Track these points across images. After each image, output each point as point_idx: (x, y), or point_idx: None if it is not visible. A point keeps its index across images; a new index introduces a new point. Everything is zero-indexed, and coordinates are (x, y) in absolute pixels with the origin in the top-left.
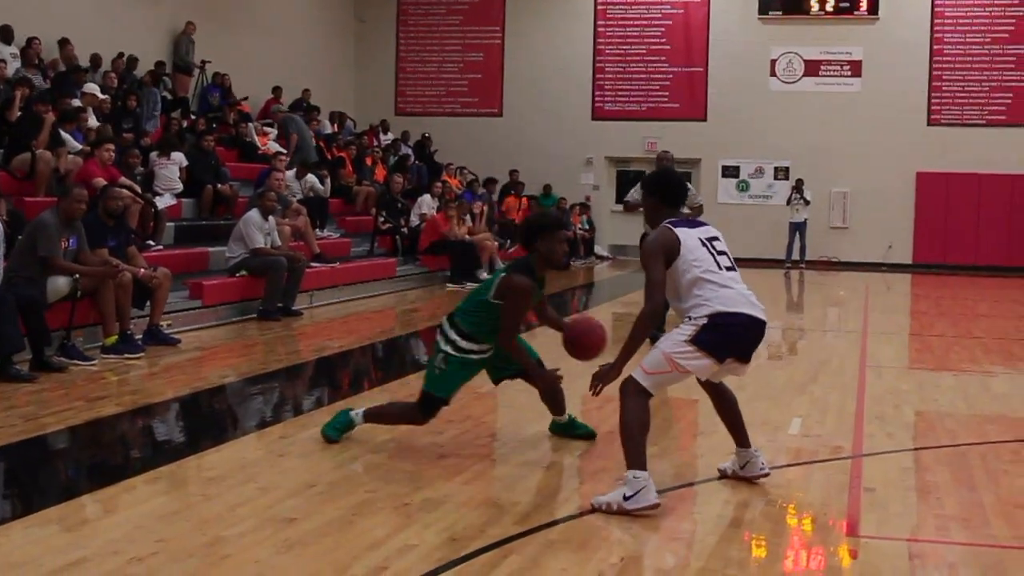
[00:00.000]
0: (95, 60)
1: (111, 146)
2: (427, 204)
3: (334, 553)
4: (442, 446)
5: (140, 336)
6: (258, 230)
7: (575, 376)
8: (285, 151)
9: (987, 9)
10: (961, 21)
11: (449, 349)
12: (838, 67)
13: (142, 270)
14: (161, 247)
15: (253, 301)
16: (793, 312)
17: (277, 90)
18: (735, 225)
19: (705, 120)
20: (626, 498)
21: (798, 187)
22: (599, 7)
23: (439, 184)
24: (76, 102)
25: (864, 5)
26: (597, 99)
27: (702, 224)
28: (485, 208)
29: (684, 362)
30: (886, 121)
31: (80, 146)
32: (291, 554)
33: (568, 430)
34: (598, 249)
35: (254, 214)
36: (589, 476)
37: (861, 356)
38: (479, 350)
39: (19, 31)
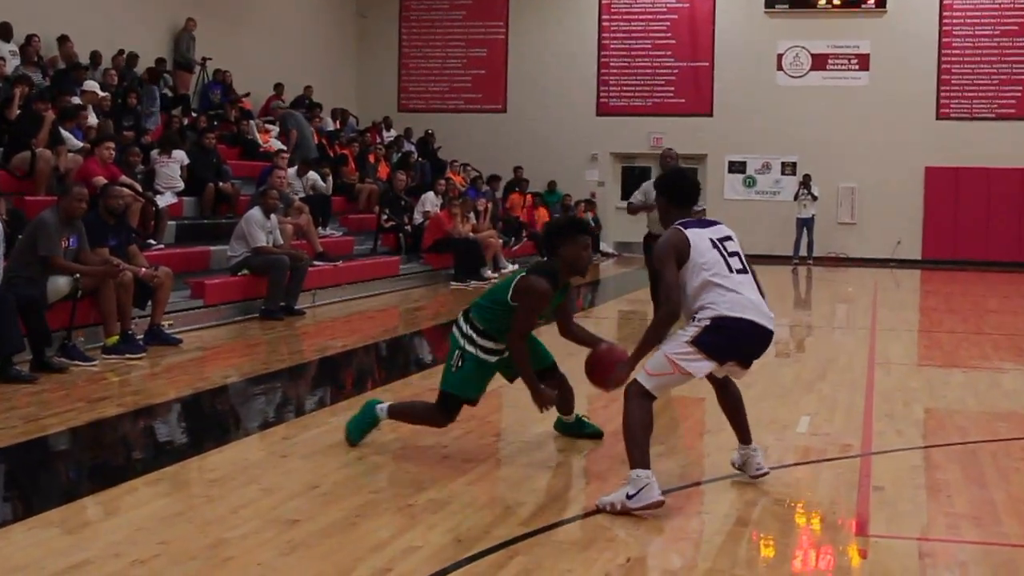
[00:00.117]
0: (95, 57)
1: (111, 144)
2: (430, 202)
3: (338, 555)
4: (446, 446)
5: (141, 336)
6: (260, 228)
7: (583, 376)
8: (287, 148)
9: (996, 1)
10: (970, 13)
11: (465, 344)
12: (846, 61)
13: (143, 269)
14: (162, 246)
15: (255, 300)
16: (801, 309)
17: (279, 87)
18: (742, 222)
19: (711, 115)
20: (629, 497)
21: (805, 183)
22: (603, 2)
23: (442, 181)
24: (76, 100)
25: None
26: (602, 95)
27: (714, 223)
28: (489, 205)
29: (685, 363)
30: (894, 115)
31: (80, 144)
32: (294, 556)
33: (575, 429)
34: (603, 246)
35: (256, 212)
36: (595, 476)
37: (870, 353)
38: (495, 348)
39: (18, 29)
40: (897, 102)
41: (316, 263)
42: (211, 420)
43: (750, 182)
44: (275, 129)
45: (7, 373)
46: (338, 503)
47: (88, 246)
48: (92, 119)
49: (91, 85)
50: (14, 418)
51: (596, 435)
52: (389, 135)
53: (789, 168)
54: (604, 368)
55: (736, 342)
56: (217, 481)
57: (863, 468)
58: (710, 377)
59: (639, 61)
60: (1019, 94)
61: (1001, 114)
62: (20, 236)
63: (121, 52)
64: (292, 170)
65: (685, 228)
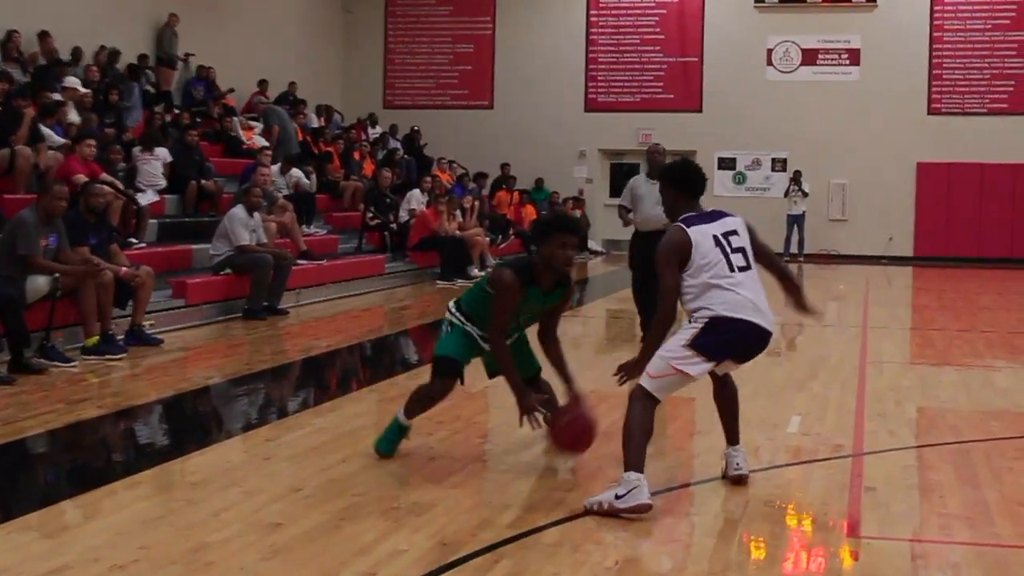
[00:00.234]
0: (76, 53)
1: (92, 141)
2: (416, 199)
3: (321, 559)
4: (432, 448)
5: (122, 336)
6: (243, 227)
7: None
8: (270, 145)
9: None
10: (961, 7)
11: (453, 319)
12: (836, 56)
13: (124, 269)
14: (144, 245)
15: (238, 300)
16: (792, 307)
17: (263, 83)
18: None
19: (700, 111)
20: (618, 497)
21: (796, 179)
22: None
23: (429, 179)
24: (57, 96)
25: None
26: (590, 90)
27: (722, 216)
28: (476, 203)
29: (683, 366)
30: (885, 110)
31: (61, 141)
32: (277, 560)
33: None
34: (592, 244)
35: (239, 210)
36: (583, 478)
37: (861, 351)
38: (480, 334)
39: None
40: (888, 97)
41: (300, 262)
42: (193, 422)
43: (740, 178)
44: (259, 126)
45: None
46: (322, 506)
47: (68, 245)
48: (73, 116)
49: (72, 81)
50: None
51: None
52: (374, 132)
53: (779, 164)
54: (572, 441)
55: (732, 341)
56: (198, 484)
57: (855, 468)
58: (710, 372)
59: (627, 56)
60: (1011, 89)
61: (993, 109)
62: None
63: (103, 48)
64: (275, 167)
65: (689, 226)
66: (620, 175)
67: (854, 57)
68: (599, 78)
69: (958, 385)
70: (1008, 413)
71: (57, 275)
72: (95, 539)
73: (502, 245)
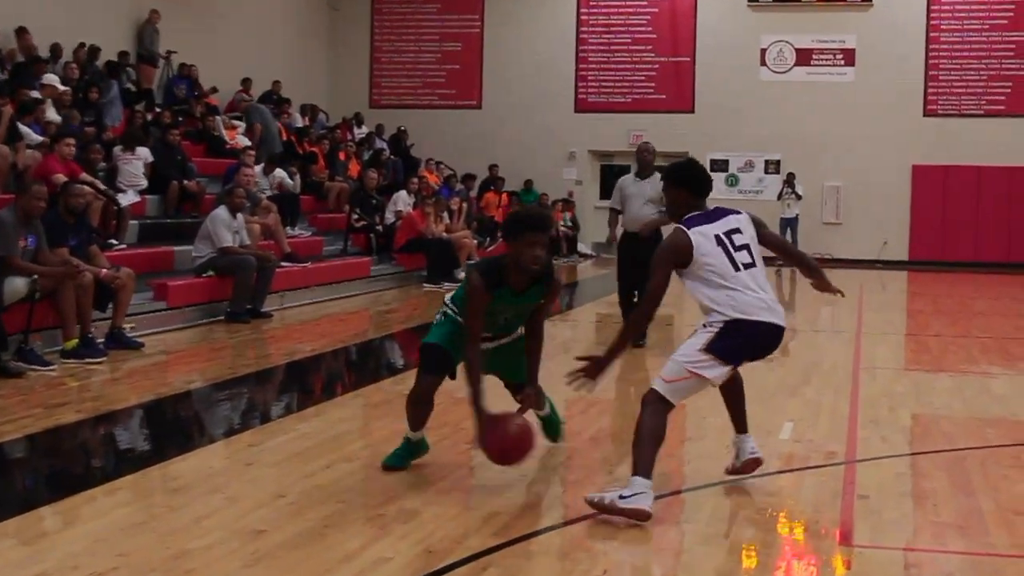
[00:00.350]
0: (55, 50)
1: (72, 140)
2: (403, 201)
3: (305, 566)
4: None
5: (102, 340)
6: (226, 228)
7: (557, 379)
8: (253, 145)
9: None
10: (958, 7)
11: (447, 309)
12: (831, 56)
13: (104, 270)
14: (124, 246)
15: (221, 303)
16: (785, 311)
17: (246, 82)
18: None
19: (692, 112)
20: (622, 497)
21: (789, 181)
22: None
23: (415, 180)
24: (35, 94)
25: None
26: (580, 91)
27: (725, 215)
28: (463, 205)
29: (701, 370)
30: (881, 112)
31: (39, 139)
32: (260, 567)
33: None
34: (581, 247)
35: (222, 211)
36: (571, 484)
37: (855, 357)
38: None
39: None
40: (883, 98)
41: (284, 264)
42: (174, 427)
43: (732, 181)
44: (242, 125)
45: None
46: (305, 513)
47: (47, 246)
48: (51, 114)
49: (51, 79)
50: None
51: (552, 438)
52: (360, 132)
53: (772, 166)
54: (497, 455)
55: (750, 344)
56: (180, 490)
57: (847, 476)
58: None
59: (619, 56)
60: (1008, 90)
61: (990, 111)
62: None
63: (82, 45)
64: (258, 168)
65: (691, 227)
66: (611, 177)
67: (849, 57)
68: (589, 78)
69: (953, 392)
70: (1004, 420)
71: (35, 276)
72: (74, 546)
73: (490, 248)
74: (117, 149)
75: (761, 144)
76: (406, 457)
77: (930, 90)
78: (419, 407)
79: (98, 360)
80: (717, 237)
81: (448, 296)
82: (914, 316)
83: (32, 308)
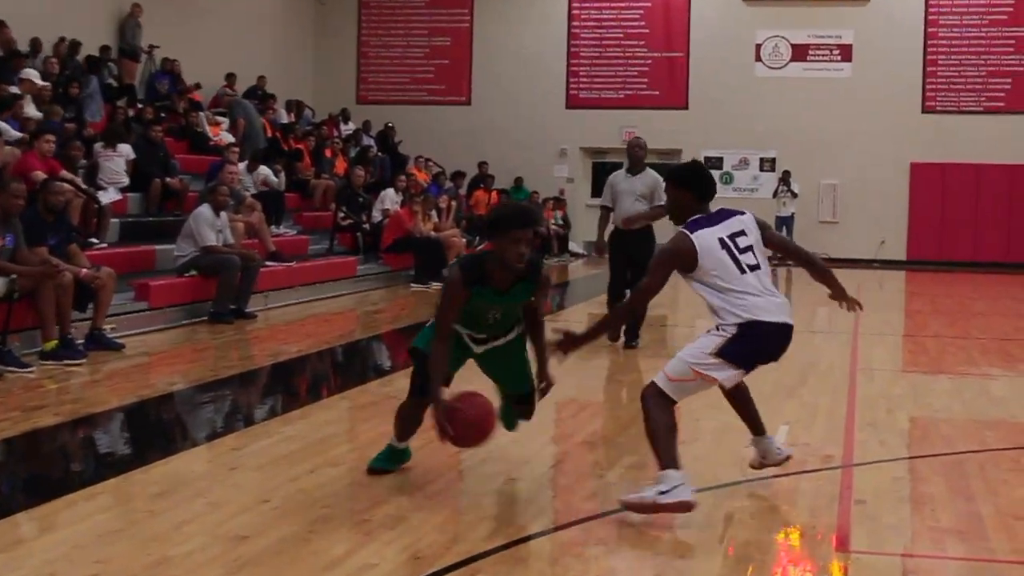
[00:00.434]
0: (35, 44)
1: (52, 137)
2: (390, 199)
3: (289, 572)
4: None
5: (82, 341)
6: (209, 227)
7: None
8: (237, 141)
9: None
10: (957, 2)
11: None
12: (827, 51)
13: (84, 270)
14: (105, 245)
15: (204, 303)
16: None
17: (230, 77)
18: None
19: (686, 108)
20: (661, 494)
21: (785, 179)
22: None
23: (403, 177)
24: (14, 89)
25: None
26: (571, 86)
27: (728, 217)
28: (452, 203)
29: (709, 371)
30: (878, 108)
31: (17, 135)
32: (243, 574)
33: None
34: (572, 246)
35: (205, 210)
36: (561, 489)
37: (852, 358)
38: (467, 332)
39: None
40: (881, 95)
41: (268, 263)
42: (155, 430)
43: (727, 179)
44: (225, 122)
45: None
46: (289, 518)
47: (25, 245)
48: (31, 109)
49: (30, 73)
50: None
51: (507, 426)
52: (347, 128)
53: (768, 164)
54: (478, 434)
55: (763, 346)
56: (161, 495)
57: (844, 480)
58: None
59: (611, 51)
60: (1008, 86)
61: (989, 107)
62: None
63: (63, 39)
64: (242, 165)
65: (694, 231)
66: (602, 174)
67: (846, 53)
68: (581, 73)
69: (952, 394)
70: (1003, 423)
71: (14, 276)
72: (51, 553)
73: (479, 247)
74: (98, 146)
75: (756, 141)
76: (391, 461)
77: (928, 86)
78: (407, 422)
79: (78, 362)
80: (721, 240)
81: None
82: (912, 316)
83: (10, 308)
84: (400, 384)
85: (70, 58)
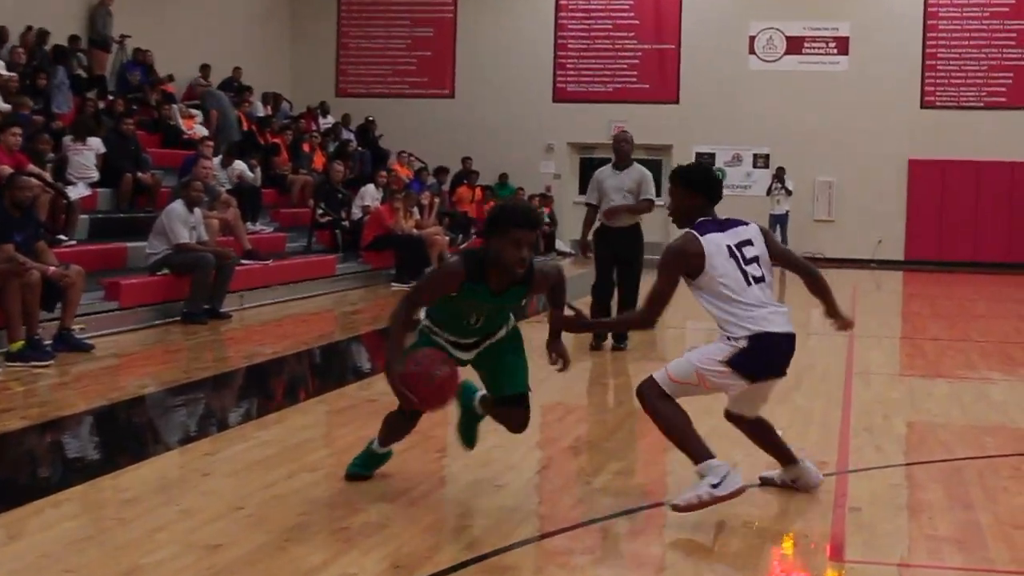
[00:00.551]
0: (1, 33)
1: (18, 129)
2: (371, 195)
3: None
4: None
5: (49, 342)
6: (182, 224)
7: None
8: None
9: None
10: None
11: (422, 326)
12: (823, 44)
13: (52, 268)
14: (74, 242)
15: (176, 302)
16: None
17: (205, 68)
18: None
19: (677, 103)
20: (714, 487)
21: (779, 176)
22: None
23: (384, 173)
24: None
25: None
26: (559, 79)
27: (735, 225)
28: (435, 199)
29: (714, 380)
30: (875, 103)
31: None
32: None
33: (471, 420)
34: (559, 244)
35: (178, 206)
36: (547, 496)
37: (847, 362)
38: (452, 341)
39: None
40: (879, 89)
41: (244, 262)
42: (126, 434)
43: (719, 175)
44: (199, 115)
45: None
46: (265, 526)
47: None
48: None
49: None
50: None
51: (466, 441)
52: (326, 122)
53: (761, 160)
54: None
55: (773, 358)
56: (131, 502)
57: (839, 487)
58: (730, 419)
59: (599, 43)
60: (1009, 81)
61: (990, 103)
62: None
63: (30, 28)
64: (217, 159)
65: (703, 234)
66: (590, 170)
67: (842, 46)
68: (568, 66)
69: (950, 398)
70: (1003, 429)
71: None
72: (17, 562)
73: (463, 245)
74: (67, 139)
75: (749, 137)
76: (369, 465)
77: (927, 81)
78: (392, 431)
79: (45, 363)
80: (729, 248)
81: (424, 310)
82: (910, 318)
83: None
84: (379, 387)
85: (38, 48)
